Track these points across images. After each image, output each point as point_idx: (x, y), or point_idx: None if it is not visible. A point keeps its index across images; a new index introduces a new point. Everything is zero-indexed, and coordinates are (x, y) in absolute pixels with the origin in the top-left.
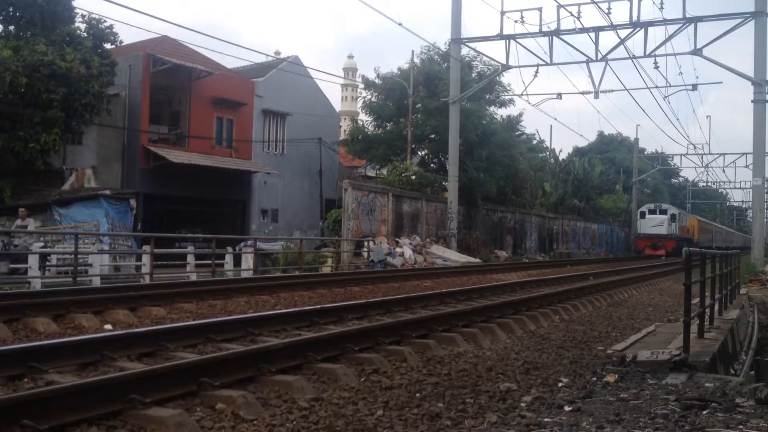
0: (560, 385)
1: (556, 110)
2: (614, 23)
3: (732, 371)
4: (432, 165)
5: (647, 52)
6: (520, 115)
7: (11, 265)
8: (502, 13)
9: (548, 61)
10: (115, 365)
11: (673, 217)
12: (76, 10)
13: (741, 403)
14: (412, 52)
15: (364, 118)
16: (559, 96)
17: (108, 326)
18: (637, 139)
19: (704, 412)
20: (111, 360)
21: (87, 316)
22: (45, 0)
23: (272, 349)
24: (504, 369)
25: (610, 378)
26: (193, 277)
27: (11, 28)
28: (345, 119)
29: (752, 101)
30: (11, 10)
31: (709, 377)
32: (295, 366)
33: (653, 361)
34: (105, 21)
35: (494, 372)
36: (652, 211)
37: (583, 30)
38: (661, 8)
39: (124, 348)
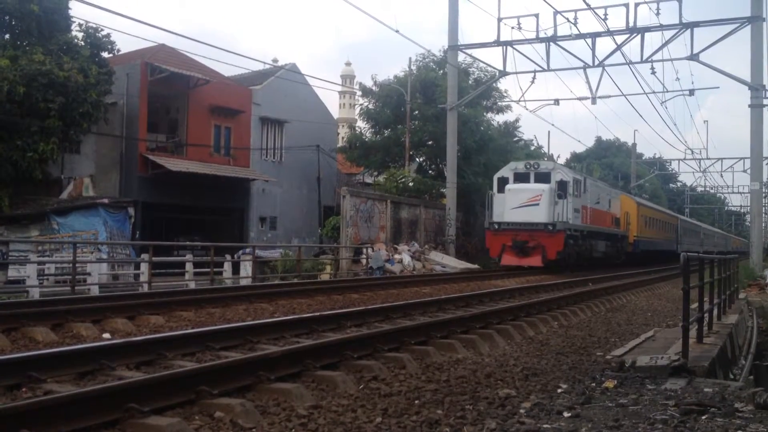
0: (559, 391)
1: (554, 116)
2: (611, 29)
3: (731, 376)
4: (430, 171)
5: (644, 58)
6: (518, 121)
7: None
8: (499, 19)
9: (545, 67)
10: (113, 374)
11: (561, 187)
12: (74, 19)
13: (740, 408)
14: (410, 59)
15: (361, 125)
16: (557, 102)
17: (106, 335)
18: (634, 145)
19: (703, 417)
20: (109, 369)
21: (85, 325)
22: (42, 9)
23: (271, 357)
24: (503, 375)
25: (609, 383)
26: (192, 285)
27: (8, 37)
28: (343, 126)
29: (749, 106)
30: (8, 19)
31: (708, 382)
32: (293, 374)
33: (652, 366)
34: (102, 30)
35: (493, 378)
36: (521, 177)
37: (580, 36)
38: (658, 14)
39: (122, 357)
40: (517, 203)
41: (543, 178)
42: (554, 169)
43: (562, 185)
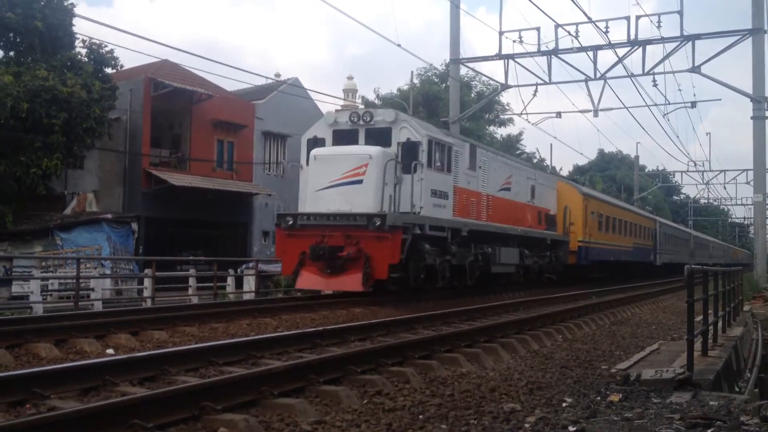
0: (564, 405)
1: (556, 129)
2: (612, 42)
3: (736, 389)
4: None
5: (646, 70)
6: (520, 134)
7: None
8: (501, 33)
9: (547, 80)
10: (117, 390)
11: (408, 152)
12: (77, 35)
13: (746, 421)
14: (411, 72)
15: None
16: (559, 115)
17: (110, 351)
18: (637, 157)
19: (709, 431)
20: (113, 385)
21: (89, 340)
22: (46, 26)
23: (274, 372)
24: (507, 389)
25: (615, 397)
26: (195, 300)
27: (12, 53)
28: None
29: (751, 118)
30: (12, 36)
31: (713, 395)
32: (297, 388)
33: (657, 379)
34: (106, 46)
35: (498, 392)
36: (344, 136)
37: (582, 49)
38: (659, 26)
39: (126, 372)
40: (327, 181)
41: (380, 136)
42: (397, 122)
43: (409, 149)
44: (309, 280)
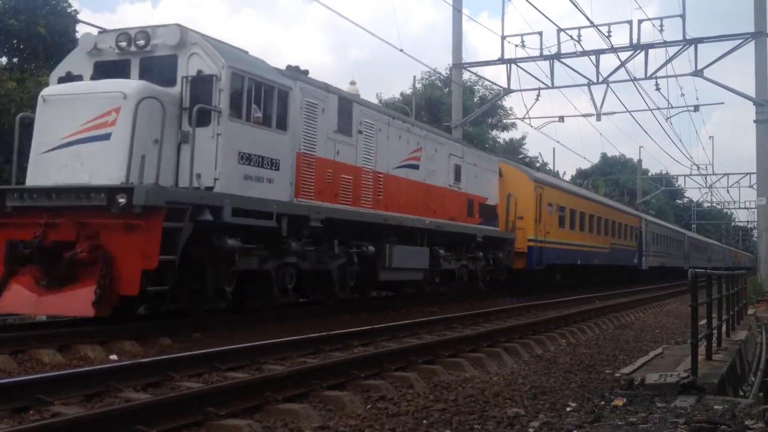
0: (568, 409)
1: (559, 133)
2: (614, 46)
3: (741, 393)
4: None
5: (648, 74)
6: (523, 138)
7: None
8: (503, 37)
9: (550, 85)
10: (120, 396)
11: (198, 92)
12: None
13: (750, 425)
14: (414, 77)
15: None
16: (562, 119)
17: (113, 356)
18: (640, 161)
19: None
20: (116, 391)
21: (92, 346)
22: (49, 32)
23: (278, 378)
24: (511, 394)
25: (619, 402)
26: None
27: (15, 60)
28: None
29: (754, 121)
30: (15, 42)
31: (718, 399)
32: (301, 394)
33: (662, 383)
34: None
35: (501, 397)
36: (108, 70)
37: (584, 53)
38: (661, 30)
39: (129, 378)
40: (59, 137)
41: (161, 69)
42: (184, 46)
43: (200, 88)
44: (15, 300)
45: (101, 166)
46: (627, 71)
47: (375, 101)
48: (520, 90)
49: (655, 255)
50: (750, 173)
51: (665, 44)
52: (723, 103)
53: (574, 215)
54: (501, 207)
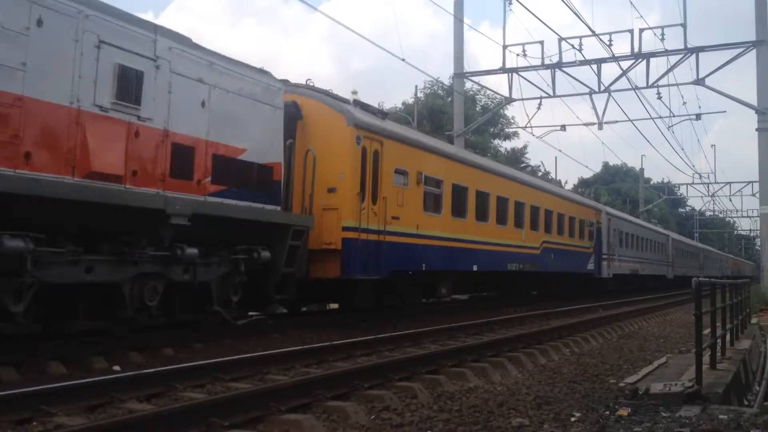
0: (573, 419)
1: (561, 142)
2: (616, 55)
3: (745, 402)
4: None
5: (650, 83)
6: (525, 147)
7: None
8: (504, 47)
9: (551, 94)
10: (123, 407)
11: None
12: None
13: None
14: (416, 86)
15: None
16: (563, 128)
17: (116, 367)
18: (642, 170)
19: None
20: (120, 401)
21: (96, 357)
22: None
23: (281, 388)
24: (515, 404)
25: (623, 412)
26: None
27: None
28: None
29: (757, 130)
30: None
31: (722, 409)
32: (304, 404)
33: (666, 393)
34: None
35: (506, 407)
36: None
37: (585, 62)
38: (663, 39)
39: (132, 389)
40: None
41: None
42: None
43: None
44: None
45: None
46: (628, 80)
47: None
48: (522, 99)
49: (624, 260)
50: (752, 182)
51: (666, 53)
52: (725, 111)
53: (462, 195)
54: (297, 172)
